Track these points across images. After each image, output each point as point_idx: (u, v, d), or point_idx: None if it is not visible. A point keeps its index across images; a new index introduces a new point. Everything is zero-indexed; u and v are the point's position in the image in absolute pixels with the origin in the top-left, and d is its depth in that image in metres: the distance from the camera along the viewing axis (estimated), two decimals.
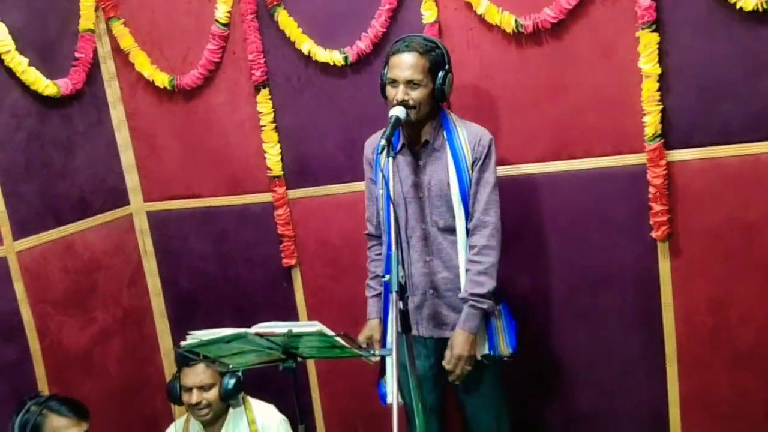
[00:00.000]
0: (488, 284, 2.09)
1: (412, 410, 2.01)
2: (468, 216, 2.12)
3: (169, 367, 3.18)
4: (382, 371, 2.27)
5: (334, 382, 3.04)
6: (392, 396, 2.08)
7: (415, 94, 2.06)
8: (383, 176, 1.91)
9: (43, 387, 2.46)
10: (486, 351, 2.15)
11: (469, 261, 2.11)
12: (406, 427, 2.32)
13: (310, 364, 3.03)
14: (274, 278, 3.03)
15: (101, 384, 2.79)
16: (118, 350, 2.92)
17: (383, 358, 2.25)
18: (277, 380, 2.58)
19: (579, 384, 2.71)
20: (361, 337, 2.32)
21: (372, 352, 1.96)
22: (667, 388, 2.55)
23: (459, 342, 2.08)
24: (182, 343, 1.80)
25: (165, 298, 3.19)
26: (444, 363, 2.11)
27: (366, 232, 2.39)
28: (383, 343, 2.28)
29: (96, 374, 2.76)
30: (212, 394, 2.30)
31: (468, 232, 2.13)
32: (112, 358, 2.88)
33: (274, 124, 2.85)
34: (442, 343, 2.22)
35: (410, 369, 1.86)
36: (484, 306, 2.09)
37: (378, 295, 2.32)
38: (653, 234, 2.42)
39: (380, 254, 2.32)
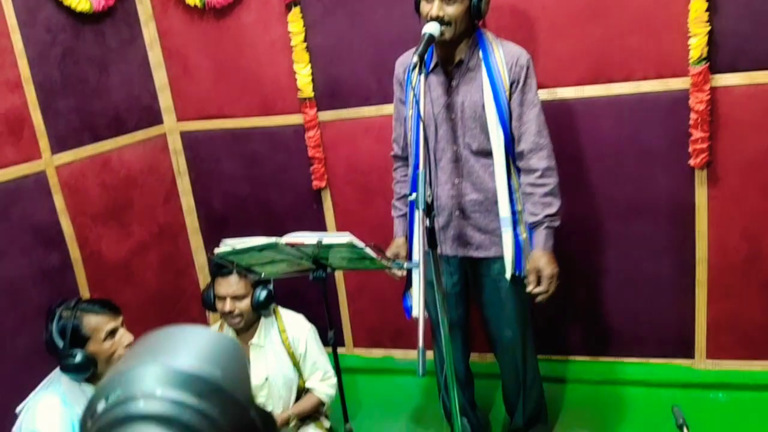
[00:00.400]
0: (556, 203, 2.09)
1: (437, 324, 2.06)
2: (508, 138, 2.09)
3: (203, 281, 3.29)
4: (408, 286, 2.32)
5: (361, 300, 3.12)
6: (418, 309, 2.14)
7: (451, 10, 2.00)
8: (414, 94, 1.88)
9: (85, 293, 2.57)
10: (512, 272, 2.17)
11: (532, 185, 2.09)
12: (430, 340, 2.39)
13: (339, 282, 3.10)
14: (303, 200, 3.07)
15: (140, 293, 2.91)
16: (155, 262, 3.03)
17: (409, 274, 2.28)
18: (306, 293, 2.67)
19: (606, 306, 2.74)
20: (388, 255, 2.36)
21: (399, 264, 1.98)
22: (695, 312, 2.57)
23: (545, 263, 2.08)
24: (216, 251, 1.85)
25: (198, 217, 3.26)
26: (535, 290, 2.09)
27: (392, 153, 2.38)
28: (409, 259, 2.31)
29: (135, 283, 2.87)
30: (244, 303, 2.38)
31: (516, 155, 2.11)
32: (149, 270, 2.99)
33: (305, 44, 2.82)
34: (466, 262, 2.24)
35: (436, 284, 1.89)
36: (557, 224, 2.10)
37: (403, 215, 2.34)
38: (691, 162, 2.37)
39: (405, 175, 2.33)
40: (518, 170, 2.13)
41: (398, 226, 2.37)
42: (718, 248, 2.46)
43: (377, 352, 3.17)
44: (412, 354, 3.08)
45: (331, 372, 2.48)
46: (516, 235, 2.12)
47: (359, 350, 3.20)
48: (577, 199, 2.60)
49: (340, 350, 2.64)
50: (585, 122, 2.51)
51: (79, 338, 1.93)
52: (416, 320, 1.73)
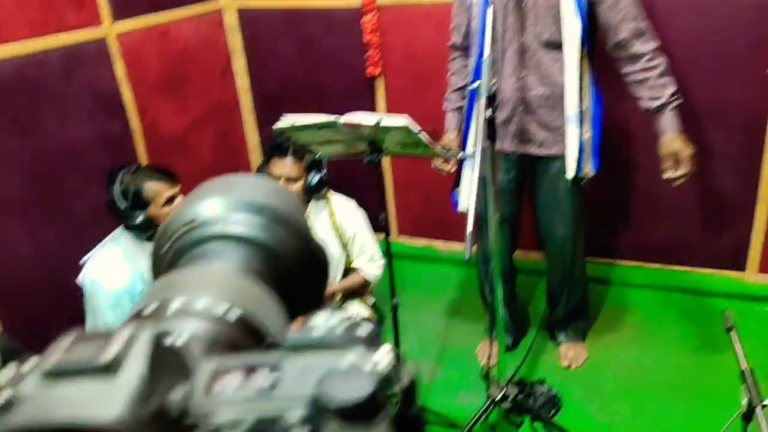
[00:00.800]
0: (673, 81, 2.02)
1: (485, 219, 2.08)
2: (584, 29, 1.99)
3: (254, 161, 3.36)
4: (456, 183, 2.32)
5: (408, 191, 3.16)
6: (466, 201, 2.16)
7: None
8: None
9: (143, 161, 2.66)
10: (574, 172, 2.13)
11: (644, 69, 2.01)
12: (477, 233, 2.43)
13: (387, 174, 3.13)
14: (357, 86, 3.04)
15: (194, 167, 2.99)
16: (210, 138, 3.09)
17: (458, 171, 2.28)
18: (356, 180, 2.70)
19: (661, 213, 2.71)
20: (438, 150, 2.33)
21: (453, 152, 1.97)
22: (752, 226, 2.53)
23: (681, 145, 2.02)
24: (276, 125, 1.87)
25: (252, 96, 3.28)
26: (673, 174, 2.04)
27: (450, 42, 2.29)
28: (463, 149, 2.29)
29: (190, 157, 2.95)
30: (297, 186, 2.43)
31: (613, 47, 2.03)
32: (204, 144, 3.05)
33: None
34: (524, 159, 2.22)
35: (491, 178, 1.89)
36: (681, 100, 2.03)
37: (457, 109, 2.29)
38: None
39: (464, 66, 2.25)
40: (591, 64, 2.05)
41: (451, 120, 2.32)
42: None
43: (420, 242, 3.25)
44: (454, 245, 3.14)
45: (379, 254, 2.56)
46: (580, 134, 2.08)
47: (403, 238, 3.28)
48: None
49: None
50: (662, 21, 2.37)
51: (140, 201, 2.03)
52: (464, 212, 1.75)
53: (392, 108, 3.01)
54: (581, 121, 2.06)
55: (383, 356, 0.29)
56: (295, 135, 1.90)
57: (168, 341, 0.30)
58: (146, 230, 2.05)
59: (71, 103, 2.40)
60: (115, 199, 2.04)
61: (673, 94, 2.01)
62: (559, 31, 2.00)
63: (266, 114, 3.27)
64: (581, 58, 2.01)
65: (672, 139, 2.02)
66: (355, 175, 2.91)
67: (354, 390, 0.27)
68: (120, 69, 2.56)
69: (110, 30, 2.52)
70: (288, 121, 1.82)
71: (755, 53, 2.27)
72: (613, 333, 2.60)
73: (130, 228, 2.04)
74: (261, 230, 0.41)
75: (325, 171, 2.46)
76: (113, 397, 0.25)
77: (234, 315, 0.37)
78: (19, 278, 2.31)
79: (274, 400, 0.28)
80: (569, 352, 2.47)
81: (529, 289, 2.84)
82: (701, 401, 2.17)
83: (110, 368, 0.26)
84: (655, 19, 2.36)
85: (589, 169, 2.13)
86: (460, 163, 2.26)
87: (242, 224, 0.42)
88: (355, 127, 1.77)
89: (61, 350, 0.28)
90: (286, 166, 2.41)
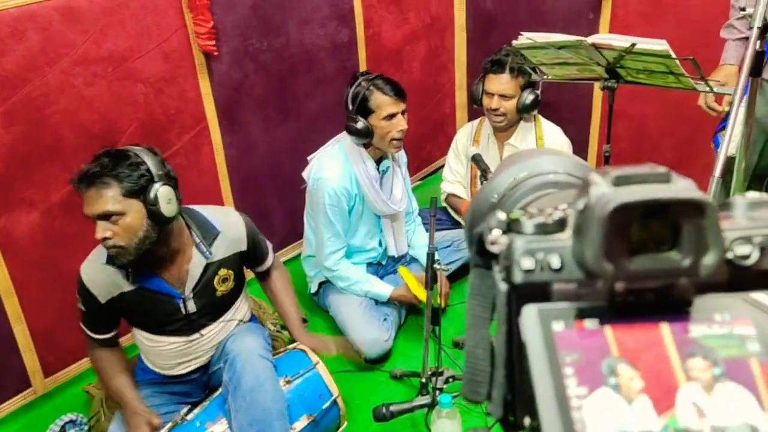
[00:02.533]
0: None
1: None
2: None
3: (460, 78, 3.37)
4: (723, 125, 2.11)
5: (617, 124, 2.99)
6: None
7: None
8: None
9: (363, 68, 2.79)
10: None
11: None
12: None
13: (596, 104, 2.98)
14: (579, 9, 2.87)
15: (404, 80, 3.06)
16: (422, 52, 3.13)
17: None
18: (565, 107, 2.62)
19: None
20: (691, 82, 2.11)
21: (713, 88, 1.81)
22: None
23: None
24: (514, 42, 1.85)
25: (467, 13, 3.24)
26: None
27: None
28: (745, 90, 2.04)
29: (402, 70, 3.03)
30: (510, 104, 2.41)
31: None
32: (416, 59, 3.11)
33: None
34: None
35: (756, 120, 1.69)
36: None
37: (742, 39, 2.02)
38: None
39: None
40: None
41: (730, 52, 2.06)
42: None
43: None
44: None
45: None
46: None
47: None
48: None
49: None
50: None
51: (365, 108, 2.15)
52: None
53: (617, 32, 2.81)
54: None
55: None
56: (531, 53, 1.86)
57: None
58: (363, 136, 2.17)
59: (311, 10, 2.54)
60: (347, 99, 2.18)
61: None
62: None
63: (478, 33, 3.23)
64: None
65: None
66: (562, 102, 2.82)
67: None
68: None
69: None
70: (528, 37, 1.78)
71: None
72: None
73: (349, 130, 2.17)
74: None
75: (539, 92, 2.41)
76: (684, 188, 0.33)
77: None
78: (254, 167, 2.58)
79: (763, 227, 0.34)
80: None
81: None
82: None
83: (667, 178, 0.33)
84: None
85: None
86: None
87: (571, 177, 0.47)
88: (600, 48, 1.69)
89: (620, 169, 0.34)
90: (502, 83, 2.39)
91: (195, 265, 1.70)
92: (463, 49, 3.32)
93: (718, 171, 1.50)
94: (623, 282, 0.33)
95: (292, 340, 1.98)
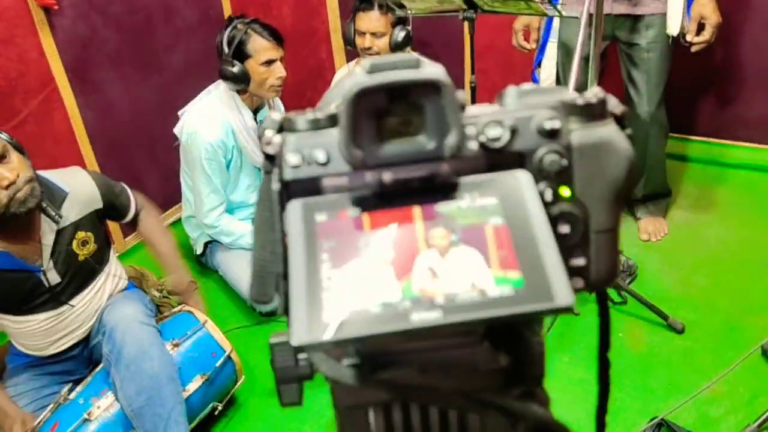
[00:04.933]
0: None
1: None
2: None
3: (333, 21, 3.29)
4: (538, 61, 2.23)
5: (489, 58, 3.04)
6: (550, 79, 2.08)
7: None
8: None
9: (227, 13, 2.64)
10: (677, 30, 2.00)
11: None
12: None
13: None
14: None
15: (278, 25, 2.93)
16: None
17: (542, 47, 2.18)
18: (437, 41, 2.62)
19: (760, 89, 2.55)
20: (517, 25, 2.22)
21: (559, 9, 1.86)
22: None
23: (711, 10, 1.98)
24: None
25: None
26: (696, 38, 2.01)
27: None
28: (545, 30, 2.16)
29: (273, 16, 2.91)
30: (383, 42, 2.39)
31: None
32: (286, 4, 3.00)
33: None
34: (615, 24, 2.09)
35: (593, 39, 1.77)
36: None
37: None
38: None
39: None
40: None
41: None
42: None
43: None
44: None
45: None
46: None
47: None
48: None
49: None
50: None
51: (241, 52, 2.06)
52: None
53: None
54: None
55: (596, 90, 0.36)
56: None
57: None
58: (239, 82, 2.08)
59: None
60: (221, 42, 2.07)
61: None
62: None
63: None
64: None
65: (705, 2, 1.96)
66: (435, 35, 2.82)
67: (587, 96, 0.35)
68: None
69: None
70: None
71: None
72: (696, 211, 2.55)
73: (226, 77, 2.08)
74: None
75: (410, 28, 2.40)
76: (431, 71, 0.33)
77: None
78: (117, 129, 2.41)
79: (525, 107, 0.36)
80: (649, 227, 2.45)
81: None
82: None
83: (417, 63, 0.34)
84: None
85: (687, 23, 2.02)
86: (544, 39, 2.15)
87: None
88: None
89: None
90: (372, 20, 2.36)
91: (46, 232, 1.58)
92: None
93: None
94: (376, 168, 0.34)
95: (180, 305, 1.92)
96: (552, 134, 0.35)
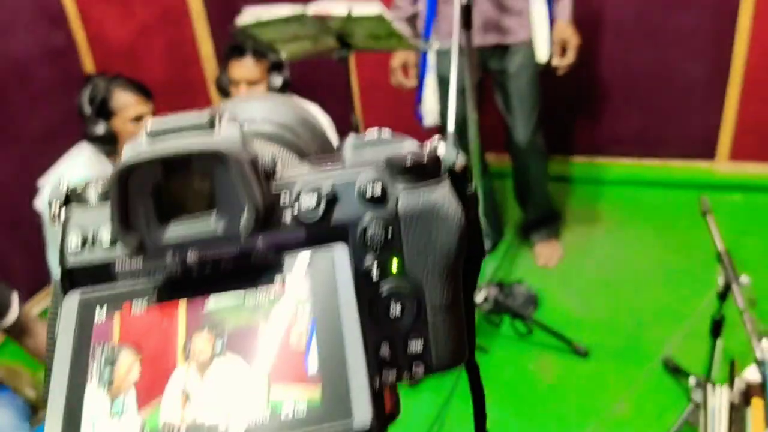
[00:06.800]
0: None
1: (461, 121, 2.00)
2: None
3: (209, 71, 3.17)
4: (419, 96, 2.24)
5: (376, 96, 3.04)
6: (434, 115, 2.08)
7: None
8: None
9: (90, 69, 2.48)
10: (546, 57, 2.07)
11: None
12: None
13: (352, 77, 2.99)
14: None
15: (148, 79, 2.81)
16: (160, 49, 2.89)
17: (421, 83, 2.19)
18: (320, 83, 2.58)
19: (631, 105, 2.68)
20: (395, 63, 2.22)
21: (430, 43, 1.87)
22: (723, 113, 2.53)
23: (571, 33, 2.07)
24: (238, 21, 1.73)
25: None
26: (559, 62, 2.09)
27: None
28: (420, 66, 2.18)
29: (142, 70, 2.76)
30: (260, 89, 2.30)
31: None
32: (155, 56, 2.86)
33: None
34: (486, 54, 2.13)
35: (468, 73, 1.78)
36: None
37: (411, 17, 2.15)
38: None
39: None
40: None
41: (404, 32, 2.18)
42: (759, 46, 2.34)
43: None
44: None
45: None
46: (549, 12, 2.02)
47: None
48: None
49: None
50: None
51: (106, 110, 1.91)
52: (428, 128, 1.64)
53: None
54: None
55: (436, 143, 0.32)
56: (259, 32, 1.76)
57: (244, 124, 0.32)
58: (106, 143, 1.92)
59: (10, 14, 2.18)
60: (81, 103, 1.91)
61: None
62: None
63: (220, 20, 3.05)
64: None
65: (564, 26, 2.07)
66: (317, 78, 2.78)
67: (418, 154, 0.31)
68: None
69: None
70: (251, 15, 1.68)
71: None
72: (587, 230, 2.62)
73: (91, 139, 1.91)
74: (287, 132, 0.43)
75: (287, 73, 2.33)
76: (219, 136, 0.29)
77: (295, 122, 0.40)
78: None
79: (347, 169, 0.31)
80: (544, 251, 2.48)
81: (502, 192, 2.80)
82: (678, 286, 2.22)
83: (210, 124, 0.29)
84: None
85: (543, 54, 2.11)
86: (421, 74, 2.17)
87: (272, 124, 0.43)
88: (324, 18, 1.64)
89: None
90: (246, 67, 2.27)
91: None
92: (207, 40, 3.12)
93: (450, 127, 1.56)
94: (157, 255, 0.28)
95: None
96: (376, 200, 0.30)
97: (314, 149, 0.44)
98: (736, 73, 2.42)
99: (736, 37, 2.36)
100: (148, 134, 0.28)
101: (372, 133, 0.32)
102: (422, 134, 2.75)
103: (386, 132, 0.33)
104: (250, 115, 0.43)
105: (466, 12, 1.67)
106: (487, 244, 2.49)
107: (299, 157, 0.40)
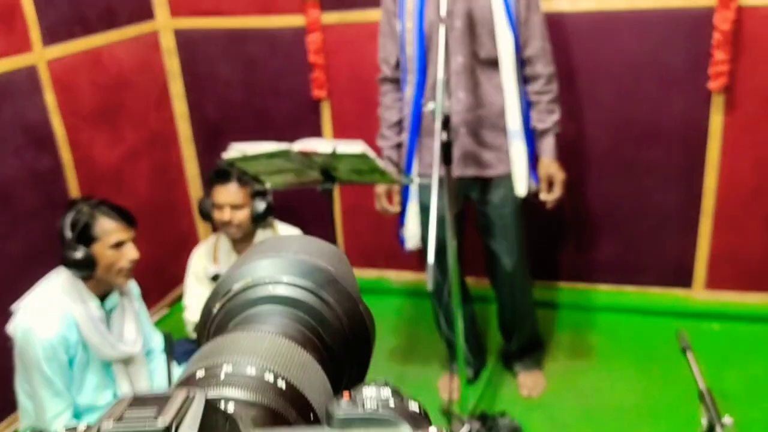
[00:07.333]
0: (559, 109, 2.10)
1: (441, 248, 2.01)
2: (517, 44, 1.98)
3: (195, 193, 3.21)
4: (402, 220, 2.27)
5: (356, 219, 3.08)
6: (416, 239, 2.11)
7: None
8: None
9: (75, 196, 2.49)
10: (524, 191, 2.11)
11: (538, 93, 2.05)
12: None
13: (335, 202, 3.04)
14: (301, 110, 2.95)
15: (130, 202, 2.80)
16: (146, 171, 2.93)
17: (404, 209, 2.24)
18: (302, 208, 2.62)
19: (606, 234, 2.73)
20: (380, 190, 2.26)
21: (411, 178, 1.92)
22: (697, 243, 2.58)
23: (557, 169, 2.13)
24: (224, 155, 1.77)
25: (191, 123, 3.14)
26: (549, 197, 2.15)
27: (380, 76, 2.18)
28: (403, 193, 2.23)
29: (126, 192, 2.78)
30: (243, 214, 2.33)
31: (523, 61, 2.02)
32: (140, 178, 2.89)
33: None
34: (467, 185, 2.19)
35: (447, 204, 1.83)
36: (560, 129, 2.11)
37: (395, 146, 2.20)
38: (710, 85, 2.30)
39: (397, 99, 2.17)
40: (523, 80, 2.06)
41: (389, 161, 2.20)
42: (728, 179, 2.44)
43: (371, 273, 3.15)
44: (406, 275, 3.07)
45: None
46: (528, 149, 2.07)
47: (354, 270, 3.16)
48: (588, 118, 2.53)
49: None
50: (604, 38, 2.41)
51: (87, 235, 1.90)
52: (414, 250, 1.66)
53: (339, 133, 2.93)
54: (525, 136, 2.07)
55: None
56: (245, 165, 1.80)
57: (221, 407, 0.31)
58: (84, 268, 1.90)
59: None
60: (63, 227, 1.90)
61: (556, 122, 2.10)
62: (494, 46, 1.97)
63: (206, 143, 3.14)
64: (517, 73, 2.01)
65: (549, 163, 2.14)
66: (301, 203, 2.83)
67: None
68: (50, 98, 2.40)
69: (41, 56, 2.36)
70: (237, 150, 1.72)
71: (695, 67, 2.33)
72: (569, 358, 2.58)
73: (68, 263, 1.88)
74: (310, 295, 0.44)
75: (270, 198, 2.36)
76: None
77: (282, 384, 0.38)
78: None
79: None
80: (527, 382, 2.43)
81: (485, 316, 2.78)
82: (661, 422, 2.16)
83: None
84: (594, 32, 2.41)
85: (533, 184, 2.15)
86: (404, 201, 2.22)
87: (294, 287, 0.44)
88: (309, 155, 1.68)
89: (117, 414, 0.29)
90: (230, 193, 2.31)
91: None
92: (193, 162, 3.19)
93: (431, 257, 1.57)
94: None
95: None
96: None
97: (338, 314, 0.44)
98: (708, 204, 2.50)
99: (705, 170, 2.46)
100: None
101: (368, 394, 0.31)
102: (404, 257, 2.77)
103: (384, 393, 0.31)
104: (270, 274, 0.43)
105: (446, 148, 1.73)
106: (469, 372, 2.43)
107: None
